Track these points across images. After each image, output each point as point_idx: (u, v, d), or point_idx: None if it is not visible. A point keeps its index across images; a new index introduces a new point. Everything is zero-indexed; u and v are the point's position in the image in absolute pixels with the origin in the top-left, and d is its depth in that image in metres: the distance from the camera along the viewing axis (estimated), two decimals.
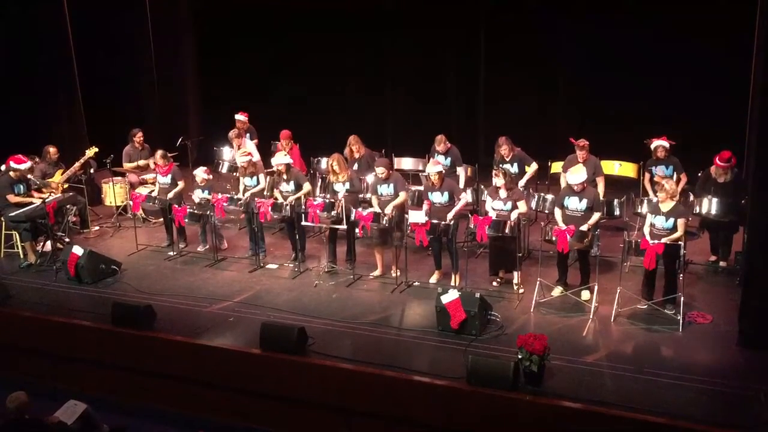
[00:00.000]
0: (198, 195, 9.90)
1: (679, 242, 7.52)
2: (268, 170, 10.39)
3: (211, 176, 10.12)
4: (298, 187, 9.42)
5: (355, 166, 10.13)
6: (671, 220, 7.67)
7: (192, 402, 7.58)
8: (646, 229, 7.87)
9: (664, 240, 7.55)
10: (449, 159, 10.08)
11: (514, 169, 9.60)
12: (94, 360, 7.99)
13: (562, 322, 7.79)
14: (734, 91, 10.17)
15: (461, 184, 9.91)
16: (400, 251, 8.91)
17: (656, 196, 7.98)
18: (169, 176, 10.25)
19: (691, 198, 8.94)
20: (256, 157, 10.70)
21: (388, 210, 8.76)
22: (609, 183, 9.62)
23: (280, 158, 9.44)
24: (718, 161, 8.67)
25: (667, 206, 7.72)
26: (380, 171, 8.90)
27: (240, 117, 11.65)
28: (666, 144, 9.31)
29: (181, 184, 10.27)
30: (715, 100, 11.24)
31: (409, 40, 13.54)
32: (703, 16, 11.15)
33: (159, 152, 10.37)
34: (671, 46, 11.57)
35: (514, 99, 12.92)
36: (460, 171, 10.07)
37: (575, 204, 8.14)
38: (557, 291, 8.32)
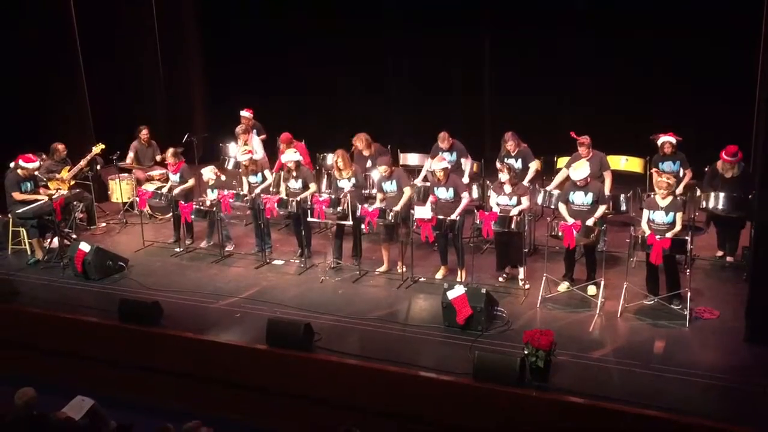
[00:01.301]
0: (210, 196, 9.88)
1: (686, 237, 7.51)
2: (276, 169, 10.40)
3: (223, 176, 10.10)
4: (305, 187, 9.43)
5: (369, 164, 10.10)
6: (671, 215, 7.68)
7: (199, 398, 7.59)
8: (644, 225, 7.85)
9: (667, 235, 7.54)
10: (455, 153, 10.08)
11: (518, 164, 9.59)
12: (102, 356, 8.02)
13: (568, 318, 7.79)
14: (741, 85, 10.14)
15: (465, 177, 9.91)
16: (406, 247, 8.90)
17: (657, 191, 7.94)
18: (178, 174, 10.27)
19: (698, 193, 8.91)
20: (260, 153, 10.69)
21: (397, 208, 8.75)
22: (615, 178, 9.57)
23: (290, 155, 9.44)
24: (725, 156, 8.62)
25: (666, 201, 7.71)
26: (382, 169, 8.90)
27: (245, 114, 11.63)
28: (673, 140, 9.26)
29: (190, 182, 10.29)
30: (722, 95, 11.20)
31: (415, 35, 13.51)
32: (709, 10, 11.10)
33: (170, 150, 10.40)
34: (677, 40, 11.53)
35: (520, 94, 12.89)
36: (466, 164, 10.06)
37: (581, 198, 8.13)
38: (563, 286, 8.31)
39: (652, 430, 6.01)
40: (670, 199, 7.73)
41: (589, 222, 7.93)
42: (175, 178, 10.31)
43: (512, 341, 7.15)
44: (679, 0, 11.41)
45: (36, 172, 10.09)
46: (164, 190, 10.38)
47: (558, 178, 9.55)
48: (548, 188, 9.52)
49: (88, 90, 12.35)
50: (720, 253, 9.14)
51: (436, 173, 8.69)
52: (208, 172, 9.99)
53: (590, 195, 8.09)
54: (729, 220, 8.80)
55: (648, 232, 7.71)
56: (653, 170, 9.38)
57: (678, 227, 7.67)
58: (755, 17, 8.51)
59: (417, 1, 13.18)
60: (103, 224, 11.37)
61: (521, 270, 8.51)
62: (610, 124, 11.27)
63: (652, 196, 8.23)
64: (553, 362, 6.58)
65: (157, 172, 11.38)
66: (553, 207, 9.43)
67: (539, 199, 9.47)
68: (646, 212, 7.92)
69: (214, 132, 13.55)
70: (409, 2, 13.24)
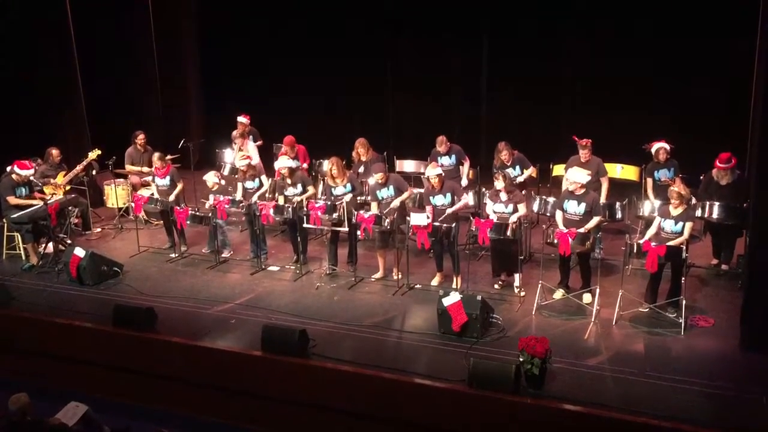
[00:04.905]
0: (210, 200, 9.88)
1: (682, 245, 7.53)
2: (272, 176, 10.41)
3: (223, 181, 10.11)
4: (305, 190, 9.43)
5: (361, 169, 10.11)
6: (680, 224, 7.68)
7: (193, 404, 7.57)
8: (652, 231, 7.85)
9: (668, 243, 7.55)
10: (453, 157, 10.10)
11: (516, 172, 9.61)
12: (96, 362, 7.99)
13: (563, 325, 7.78)
14: (736, 91, 10.18)
15: (464, 180, 9.94)
16: (401, 254, 8.90)
17: (663, 201, 7.94)
18: (168, 178, 10.26)
19: (694, 201, 8.92)
20: (256, 159, 10.68)
21: (395, 204, 8.77)
22: (611, 186, 9.58)
23: (284, 162, 9.44)
24: (719, 163, 8.66)
25: (677, 211, 7.72)
26: (378, 176, 8.89)
27: (242, 119, 11.65)
28: (667, 146, 9.28)
29: (180, 185, 10.28)
30: (717, 101, 11.25)
31: (412, 41, 13.54)
32: (704, 17, 11.16)
33: (156, 154, 10.39)
34: (672, 46, 11.57)
35: (516, 101, 12.93)
36: (465, 167, 10.11)
37: (574, 207, 8.13)
38: (559, 294, 8.31)
39: None
40: (682, 209, 7.73)
41: (582, 230, 7.93)
42: (164, 182, 10.27)
43: (507, 348, 7.14)
44: (677, 8, 11.45)
45: (31, 177, 10.07)
46: (155, 195, 10.34)
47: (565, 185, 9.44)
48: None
49: (85, 95, 12.34)
50: (715, 262, 9.15)
51: (430, 180, 8.69)
52: (212, 177, 9.97)
53: (583, 205, 8.08)
54: (724, 229, 8.81)
55: (651, 237, 7.70)
56: (647, 180, 9.40)
57: (685, 236, 7.65)
58: (752, 23, 8.54)
59: (415, 7, 13.20)
60: (98, 229, 11.35)
61: (517, 277, 8.52)
62: (606, 131, 11.26)
63: (657, 203, 8.20)
64: (548, 369, 6.57)
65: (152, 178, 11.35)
66: (548, 214, 9.44)
67: (535, 207, 9.48)
68: (657, 219, 7.93)
69: (210, 138, 13.54)
70: (407, 8, 13.26)
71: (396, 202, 8.84)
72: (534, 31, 12.54)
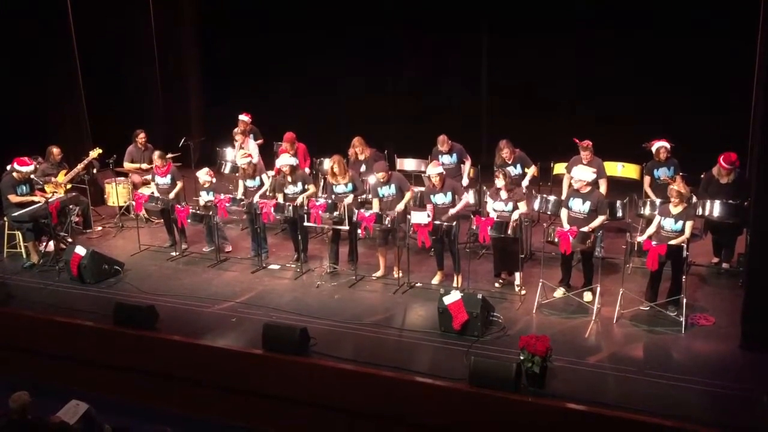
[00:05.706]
0: (204, 198, 9.90)
1: (682, 244, 7.53)
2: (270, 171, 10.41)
3: (214, 179, 10.13)
4: (305, 188, 9.43)
5: (363, 168, 10.12)
6: (680, 223, 7.69)
7: (194, 402, 7.58)
8: (651, 229, 7.85)
9: (671, 242, 7.55)
10: (455, 155, 10.10)
11: (517, 170, 9.60)
12: (96, 360, 8.00)
13: (564, 324, 7.79)
14: (737, 91, 10.18)
15: (465, 179, 9.94)
16: (402, 252, 8.90)
17: (662, 199, 7.94)
18: (168, 176, 10.26)
19: (694, 200, 8.92)
20: (256, 158, 10.69)
21: (400, 207, 8.78)
22: (612, 184, 9.57)
23: (285, 160, 9.44)
24: (723, 162, 8.60)
25: (677, 209, 7.73)
26: (380, 175, 8.90)
27: (243, 118, 11.66)
28: (667, 145, 9.27)
29: (180, 184, 10.28)
30: (718, 101, 11.25)
31: (413, 40, 13.55)
32: (704, 17, 11.16)
33: (156, 153, 10.40)
34: (673, 46, 11.57)
35: (517, 99, 12.93)
36: (466, 165, 10.11)
37: (578, 206, 8.13)
38: (559, 292, 8.31)
39: None
40: (682, 207, 7.74)
41: (584, 229, 7.94)
42: (165, 180, 10.28)
43: (508, 347, 7.14)
44: (677, 8, 11.46)
45: (32, 176, 10.07)
46: (155, 194, 10.33)
47: (566, 185, 9.44)
48: (562, 196, 9.39)
49: (85, 94, 12.34)
50: (715, 260, 9.15)
51: (431, 179, 8.69)
52: (204, 175, 9.98)
53: (588, 203, 8.08)
54: (725, 227, 8.81)
55: (649, 236, 7.70)
56: (646, 178, 9.40)
57: (686, 235, 7.66)
58: (752, 22, 8.55)
59: (415, 7, 13.20)
60: (99, 228, 11.35)
61: (517, 276, 8.52)
62: (606, 130, 11.27)
63: (658, 201, 8.22)
64: (548, 368, 6.57)
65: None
66: (549, 213, 9.44)
67: (536, 205, 9.47)
68: (657, 217, 7.94)
69: (210, 136, 13.55)
70: (407, 8, 13.26)
71: (400, 206, 8.83)
72: (534, 31, 12.54)
